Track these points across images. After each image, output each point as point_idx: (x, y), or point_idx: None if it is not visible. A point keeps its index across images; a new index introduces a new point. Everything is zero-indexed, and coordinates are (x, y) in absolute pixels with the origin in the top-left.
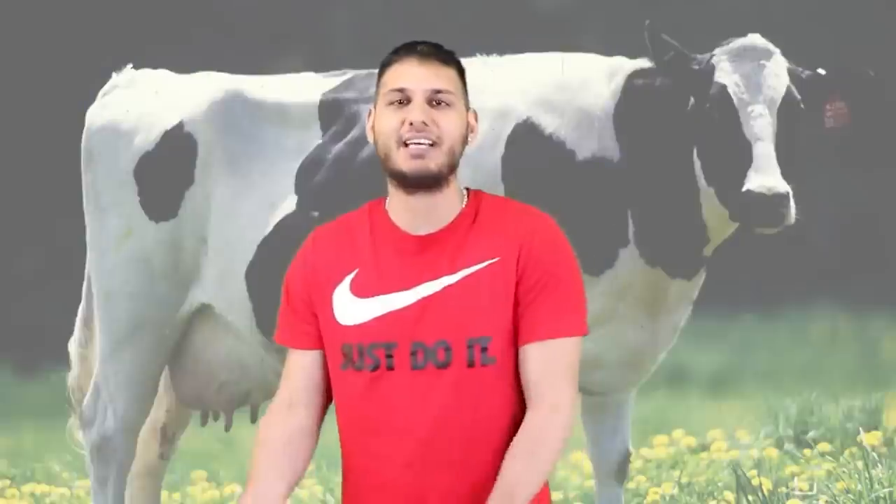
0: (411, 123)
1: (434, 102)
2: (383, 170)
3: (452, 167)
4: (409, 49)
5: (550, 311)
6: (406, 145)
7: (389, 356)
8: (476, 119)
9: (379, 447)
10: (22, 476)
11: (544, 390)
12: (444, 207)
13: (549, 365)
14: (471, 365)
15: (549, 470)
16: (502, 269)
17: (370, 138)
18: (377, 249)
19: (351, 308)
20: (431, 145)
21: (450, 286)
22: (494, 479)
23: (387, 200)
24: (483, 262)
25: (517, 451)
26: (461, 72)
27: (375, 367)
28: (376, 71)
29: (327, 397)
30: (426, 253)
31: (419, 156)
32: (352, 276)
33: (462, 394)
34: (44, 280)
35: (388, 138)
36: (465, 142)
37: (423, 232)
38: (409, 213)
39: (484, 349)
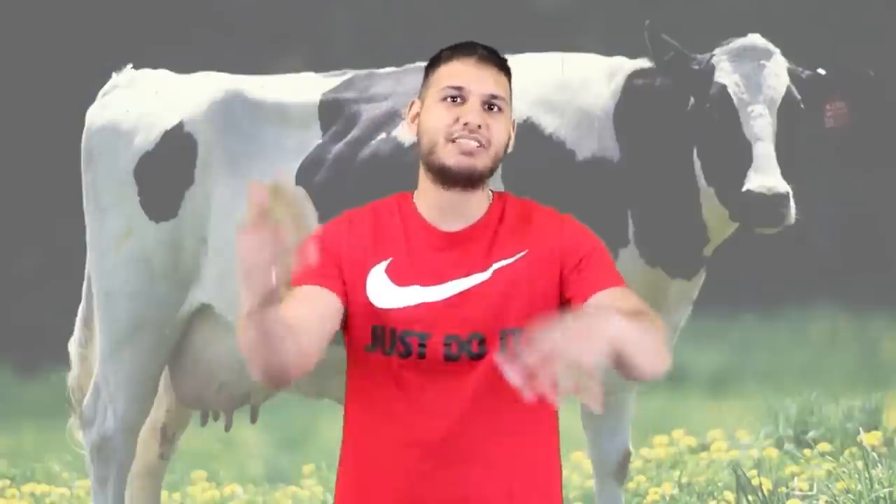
0: (466, 124)
1: (487, 106)
2: (423, 163)
3: (493, 171)
4: (468, 49)
5: (599, 271)
6: (454, 142)
7: (422, 345)
8: (514, 128)
9: (400, 434)
10: (22, 476)
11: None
12: (474, 206)
13: (623, 304)
14: None
15: (654, 338)
16: (533, 261)
17: (412, 129)
18: (409, 241)
19: (386, 292)
20: (480, 146)
21: (483, 282)
22: (520, 473)
23: (415, 195)
24: (513, 256)
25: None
26: (511, 81)
27: (406, 355)
28: (376, 71)
29: (320, 343)
30: (457, 249)
31: (468, 153)
32: (386, 262)
33: (493, 384)
34: (44, 280)
35: (437, 133)
36: (507, 149)
37: (452, 228)
38: (440, 209)
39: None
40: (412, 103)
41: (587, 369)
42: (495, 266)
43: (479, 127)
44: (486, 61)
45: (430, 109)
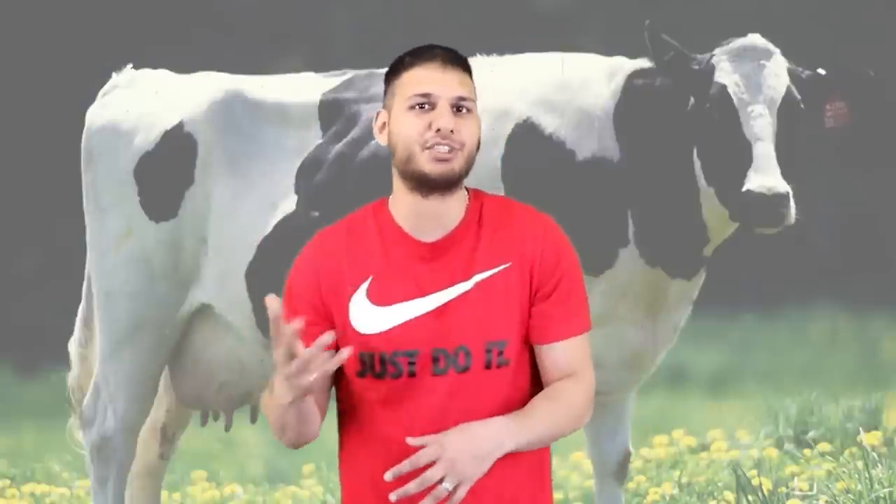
0: (438, 130)
1: (456, 108)
2: (399, 172)
3: (468, 172)
4: (430, 53)
5: (565, 312)
6: (429, 149)
7: (412, 363)
8: (479, 126)
9: (399, 452)
10: (22, 476)
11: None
12: (452, 211)
13: (570, 361)
14: (487, 367)
15: (563, 421)
16: (514, 274)
17: (382, 140)
18: (388, 256)
19: (369, 316)
20: (453, 150)
21: (465, 292)
22: (506, 480)
23: (390, 203)
24: (495, 267)
25: (537, 397)
26: (473, 79)
27: (398, 376)
28: (376, 71)
29: (327, 400)
30: (439, 259)
31: (444, 159)
32: (367, 283)
33: (479, 395)
34: (44, 280)
35: (411, 142)
36: (478, 147)
37: (431, 237)
38: (417, 218)
39: (500, 352)
40: (378, 113)
41: (459, 492)
42: (477, 277)
43: (452, 132)
44: (449, 64)
45: (400, 119)
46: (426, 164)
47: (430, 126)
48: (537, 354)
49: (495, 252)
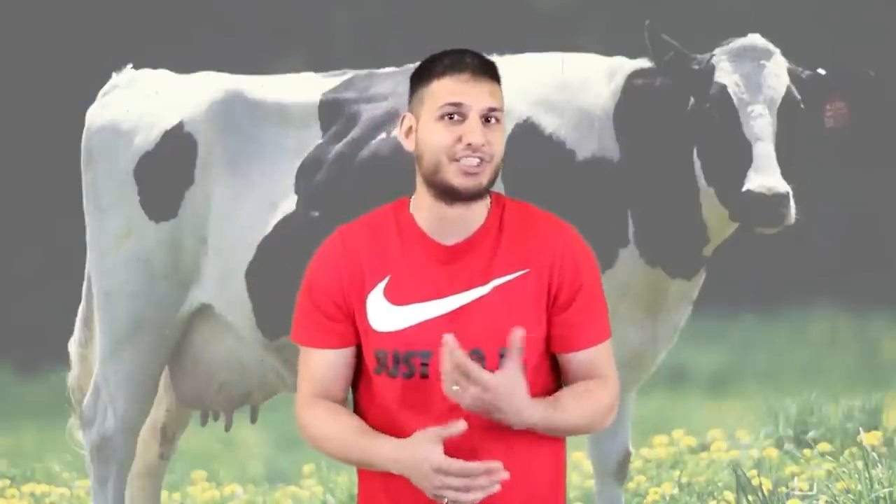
0: (469, 144)
1: (485, 120)
2: (425, 180)
3: (494, 182)
4: (460, 61)
5: (587, 321)
6: (457, 160)
7: (425, 364)
8: (505, 134)
9: None
10: (22, 476)
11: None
12: (474, 216)
13: (594, 368)
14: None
15: (589, 414)
16: (532, 281)
17: (408, 146)
18: (408, 256)
19: (386, 315)
20: (482, 162)
21: (482, 297)
22: (520, 483)
23: (411, 204)
24: (513, 273)
25: (564, 390)
26: (500, 84)
27: (410, 375)
28: (376, 71)
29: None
30: (457, 262)
31: (472, 173)
32: (385, 282)
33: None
34: (44, 280)
35: (440, 153)
36: (503, 155)
37: (451, 240)
38: (440, 223)
39: None
40: (403, 117)
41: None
42: (495, 282)
43: (483, 145)
44: (480, 74)
45: (429, 128)
46: (454, 178)
47: (460, 139)
48: (561, 363)
49: (515, 258)
